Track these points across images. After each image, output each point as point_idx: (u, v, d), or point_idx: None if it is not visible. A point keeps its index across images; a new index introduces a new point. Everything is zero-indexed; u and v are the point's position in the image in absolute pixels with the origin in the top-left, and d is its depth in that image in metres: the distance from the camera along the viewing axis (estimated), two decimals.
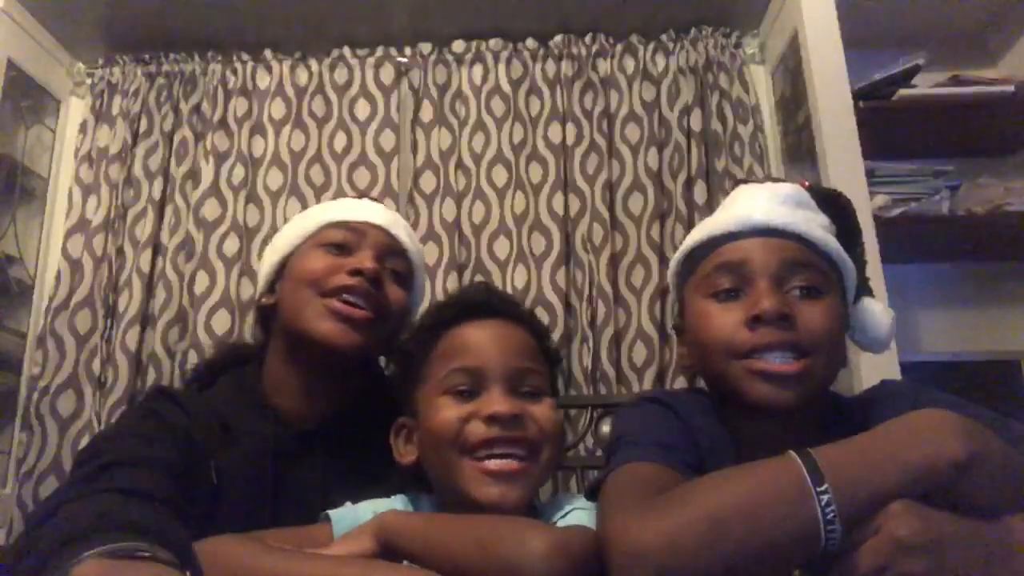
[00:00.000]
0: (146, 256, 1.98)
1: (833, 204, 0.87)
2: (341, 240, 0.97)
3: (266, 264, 1.04)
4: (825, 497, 0.58)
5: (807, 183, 0.89)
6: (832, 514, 0.58)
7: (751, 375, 0.76)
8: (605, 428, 1.50)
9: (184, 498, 0.76)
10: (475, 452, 0.77)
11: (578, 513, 0.76)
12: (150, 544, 0.60)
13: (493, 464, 0.76)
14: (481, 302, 0.87)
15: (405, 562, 0.69)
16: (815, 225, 0.81)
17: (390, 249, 0.99)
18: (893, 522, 0.57)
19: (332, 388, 0.97)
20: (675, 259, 0.91)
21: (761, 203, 0.82)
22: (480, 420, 0.77)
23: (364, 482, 0.88)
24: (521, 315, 0.88)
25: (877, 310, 0.87)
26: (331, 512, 0.80)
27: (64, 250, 2.01)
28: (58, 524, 0.64)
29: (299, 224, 1.03)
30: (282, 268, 1.00)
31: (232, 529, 0.74)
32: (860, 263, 0.87)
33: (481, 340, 0.82)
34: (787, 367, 0.74)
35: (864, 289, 0.88)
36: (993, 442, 0.60)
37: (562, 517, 0.77)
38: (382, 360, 1.08)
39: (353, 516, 0.80)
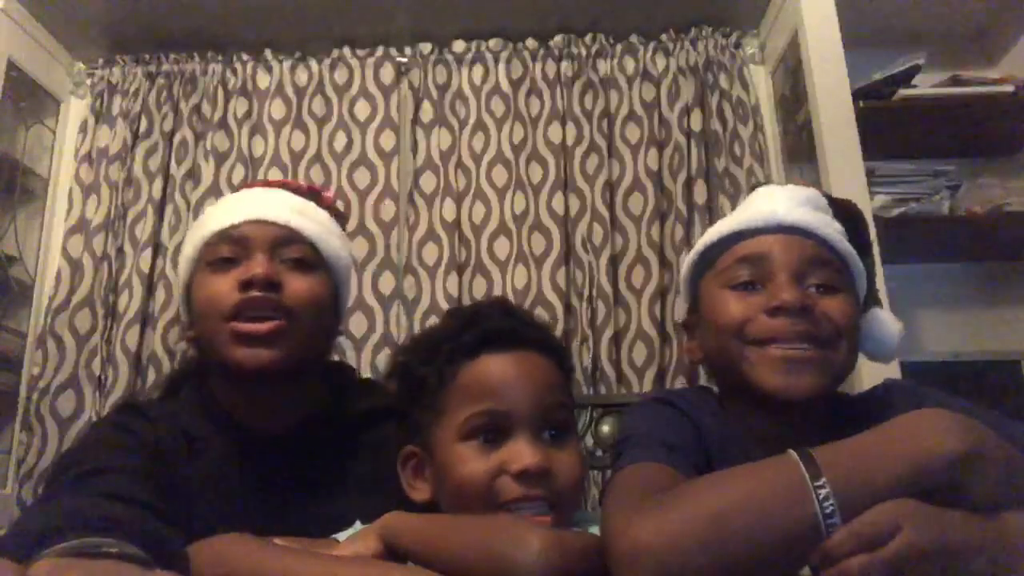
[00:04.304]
0: (146, 256, 1.99)
1: (847, 214, 0.89)
2: (227, 254, 0.90)
3: (180, 296, 0.99)
4: (823, 491, 0.58)
5: (823, 192, 0.91)
6: (831, 508, 0.58)
7: (766, 361, 0.76)
8: (605, 428, 1.50)
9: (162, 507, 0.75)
10: (505, 507, 0.73)
11: (584, 524, 0.76)
12: (118, 540, 0.58)
13: None
14: (504, 330, 0.79)
15: (409, 563, 0.69)
16: (832, 228, 0.83)
17: (282, 240, 0.91)
18: (906, 526, 0.57)
19: (284, 399, 0.93)
20: (692, 254, 0.91)
21: (782, 202, 0.84)
22: (510, 476, 0.73)
23: (338, 487, 0.87)
24: (547, 342, 0.82)
25: (888, 320, 0.87)
26: (338, 536, 0.78)
27: (64, 250, 2.01)
28: (30, 522, 0.64)
29: (188, 245, 0.97)
30: (190, 298, 0.95)
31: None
32: (871, 273, 0.88)
33: (506, 377, 0.76)
34: (805, 353, 0.75)
35: (873, 300, 0.89)
36: (992, 439, 0.61)
37: None
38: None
39: None
